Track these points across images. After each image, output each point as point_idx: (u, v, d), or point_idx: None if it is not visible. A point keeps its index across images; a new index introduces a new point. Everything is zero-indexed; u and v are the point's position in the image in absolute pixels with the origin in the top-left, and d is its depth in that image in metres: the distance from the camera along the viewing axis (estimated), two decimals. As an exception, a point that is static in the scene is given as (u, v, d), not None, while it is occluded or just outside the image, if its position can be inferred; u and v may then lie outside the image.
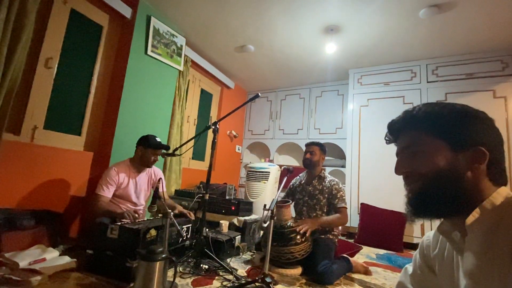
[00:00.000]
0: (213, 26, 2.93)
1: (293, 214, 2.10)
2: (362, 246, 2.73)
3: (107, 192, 1.90)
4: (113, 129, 2.39)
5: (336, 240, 2.01)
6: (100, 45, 2.45)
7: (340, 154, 3.97)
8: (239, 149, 4.71)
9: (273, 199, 1.64)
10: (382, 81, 3.47)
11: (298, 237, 1.78)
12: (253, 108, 4.89)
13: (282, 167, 1.95)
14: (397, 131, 0.64)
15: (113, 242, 1.48)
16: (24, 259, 1.38)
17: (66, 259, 1.51)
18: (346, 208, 1.96)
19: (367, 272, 1.90)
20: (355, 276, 1.84)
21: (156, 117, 2.80)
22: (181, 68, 3.05)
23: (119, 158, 2.24)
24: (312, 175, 2.11)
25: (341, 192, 1.99)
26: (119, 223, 1.57)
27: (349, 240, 3.03)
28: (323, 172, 2.11)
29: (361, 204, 3.19)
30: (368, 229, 2.99)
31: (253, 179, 3.67)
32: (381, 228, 2.91)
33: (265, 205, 1.54)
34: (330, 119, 4.10)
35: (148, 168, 2.18)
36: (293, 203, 2.12)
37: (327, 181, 2.06)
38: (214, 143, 1.78)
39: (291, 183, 2.27)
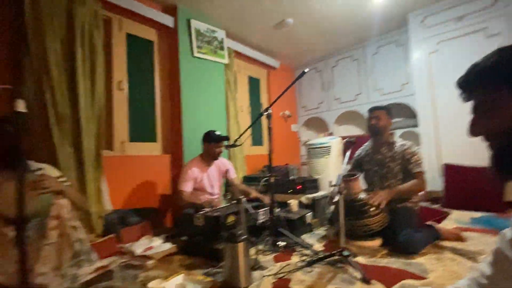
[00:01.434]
0: (248, 11, 2.90)
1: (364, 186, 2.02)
2: (451, 210, 2.45)
3: (186, 187, 2.18)
4: (181, 131, 2.68)
5: (416, 207, 1.85)
6: (154, 58, 2.72)
7: (410, 113, 3.54)
8: (295, 128, 4.67)
9: (339, 174, 1.61)
10: (454, 16, 2.88)
11: (372, 209, 1.71)
12: (302, 84, 4.72)
13: (344, 140, 1.87)
14: (465, 89, 0.56)
15: (200, 228, 1.71)
16: (138, 248, 1.73)
17: (168, 245, 1.82)
18: (423, 172, 1.78)
19: (459, 239, 1.71)
20: (445, 243, 1.68)
21: (214, 113, 2.99)
22: (225, 61, 3.15)
23: (190, 155, 2.49)
24: (379, 143, 1.96)
25: (416, 156, 1.81)
26: (202, 212, 1.79)
27: (433, 206, 2.75)
28: (392, 137, 1.94)
29: (444, 165, 2.82)
30: (456, 191, 2.65)
31: (315, 156, 3.62)
32: (473, 188, 2.53)
33: (330, 182, 1.52)
34: (392, 76, 3.66)
35: (216, 161, 2.40)
36: (361, 175, 2.03)
37: (397, 146, 1.89)
38: (269, 128, 1.82)
39: (356, 154, 2.16)
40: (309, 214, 2.16)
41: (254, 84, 4.06)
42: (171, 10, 2.73)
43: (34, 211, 1.35)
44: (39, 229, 1.35)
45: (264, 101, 4.23)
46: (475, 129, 0.55)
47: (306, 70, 1.66)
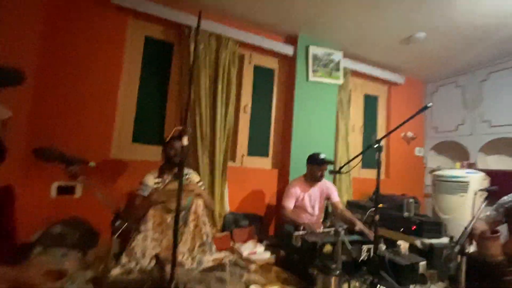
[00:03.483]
0: (369, 30, 2.79)
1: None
2: None
3: (289, 204, 2.36)
4: (289, 149, 2.90)
5: None
6: (274, 84, 3.09)
7: None
8: (419, 152, 4.00)
9: (466, 227, 1.33)
10: None
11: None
12: (435, 100, 3.99)
13: (482, 188, 1.52)
14: None
15: (297, 249, 1.83)
16: (245, 250, 2.05)
17: (268, 254, 2.05)
18: None
19: None
20: None
21: (322, 134, 3.05)
22: (340, 82, 3.14)
23: (296, 172, 2.67)
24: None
25: None
26: (301, 233, 1.91)
27: None
28: None
29: None
30: None
31: (444, 191, 3.01)
32: None
33: (451, 238, 1.29)
34: None
35: (319, 182, 2.46)
36: (504, 231, 1.57)
37: None
38: (379, 163, 1.72)
39: (503, 200, 1.68)
40: (422, 263, 1.86)
41: (371, 102, 3.81)
42: (292, 40, 3.01)
43: (183, 206, 1.88)
44: (183, 220, 1.88)
45: (382, 120, 3.88)
46: None
47: (429, 105, 1.47)
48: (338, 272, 1.35)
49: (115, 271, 1.60)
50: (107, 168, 2.21)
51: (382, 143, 1.74)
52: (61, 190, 2.10)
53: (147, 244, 1.75)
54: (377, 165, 1.73)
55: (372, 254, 1.78)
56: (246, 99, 2.90)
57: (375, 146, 1.70)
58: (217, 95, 2.47)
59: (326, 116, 3.10)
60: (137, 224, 1.73)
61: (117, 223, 1.05)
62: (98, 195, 1.41)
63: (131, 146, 2.38)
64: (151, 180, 1.95)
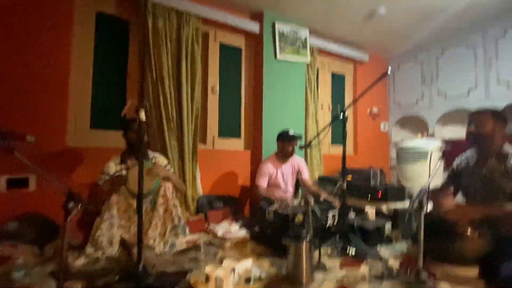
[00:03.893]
0: (333, 5, 2.80)
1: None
2: None
3: (262, 182, 2.37)
4: (261, 129, 2.89)
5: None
6: (242, 63, 3.01)
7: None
8: (384, 127, 4.21)
9: (422, 187, 1.42)
10: None
11: (468, 232, 1.44)
12: (397, 77, 4.17)
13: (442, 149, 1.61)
14: None
15: (270, 223, 1.86)
16: (220, 230, 2.03)
17: (243, 232, 2.05)
18: None
19: None
20: None
21: (292, 112, 3.07)
22: (307, 60, 3.15)
23: (269, 152, 2.68)
24: (485, 153, 1.58)
25: None
26: (274, 207, 1.93)
27: None
28: (505, 147, 1.54)
29: None
30: None
31: (406, 160, 3.20)
32: None
33: (410, 197, 1.37)
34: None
35: (291, 158, 2.49)
36: (458, 191, 1.71)
37: (515, 159, 1.49)
38: (344, 132, 1.76)
39: (454, 163, 1.81)
40: (388, 225, 1.98)
41: (338, 80, 3.89)
42: (258, 16, 2.93)
43: (149, 190, 1.80)
44: (152, 204, 1.80)
45: (349, 98, 3.99)
46: None
47: (388, 72, 1.51)
48: (308, 238, 1.38)
49: (79, 262, 1.50)
50: (63, 157, 2.03)
51: (348, 114, 1.78)
52: (12, 183, 1.90)
53: (114, 232, 1.66)
54: (342, 135, 1.78)
55: (337, 219, 1.87)
56: (214, 79, 2.80)
57: (341, 117, 1.73)
58: (181, 74, 2.35)
59: (296, 95, 3.11)
60: (99, 211, 1.63)
61: (70, 205, 0.96)
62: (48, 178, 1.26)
63: (90, 133, 2.20)
64: (113, 167, 1.83)
